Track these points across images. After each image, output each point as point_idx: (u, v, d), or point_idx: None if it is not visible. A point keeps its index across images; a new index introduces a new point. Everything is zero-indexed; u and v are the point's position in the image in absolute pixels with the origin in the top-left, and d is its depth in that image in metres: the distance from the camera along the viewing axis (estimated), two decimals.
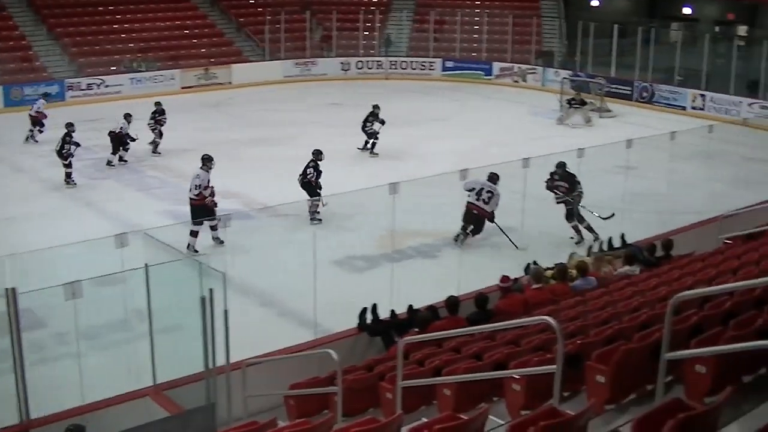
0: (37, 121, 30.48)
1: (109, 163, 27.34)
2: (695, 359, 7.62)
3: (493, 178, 20.05)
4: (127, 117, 27.80)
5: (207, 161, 20.39)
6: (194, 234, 19.18)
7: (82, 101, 37.52)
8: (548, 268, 14.46)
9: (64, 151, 25.00)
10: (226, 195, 23.51)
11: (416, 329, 12.10)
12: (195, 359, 11.34)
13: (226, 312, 11.04)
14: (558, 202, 20.14)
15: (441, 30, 46.62)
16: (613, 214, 19.67)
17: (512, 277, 14.11)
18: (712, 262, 13.38)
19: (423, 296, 13.77)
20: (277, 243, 19.35)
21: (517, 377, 8.80)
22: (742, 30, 45.66)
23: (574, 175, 20.27)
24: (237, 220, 18.66)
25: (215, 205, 19.82)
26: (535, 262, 15.39)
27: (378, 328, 13.42)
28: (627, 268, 14.68)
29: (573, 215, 19.86)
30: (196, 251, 18.78)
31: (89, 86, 38.50)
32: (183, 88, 40.52)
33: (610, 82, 39.44)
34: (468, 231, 19.89)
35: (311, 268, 14.24)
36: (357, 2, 47.54)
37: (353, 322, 13.65)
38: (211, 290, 10.91)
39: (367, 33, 46.46)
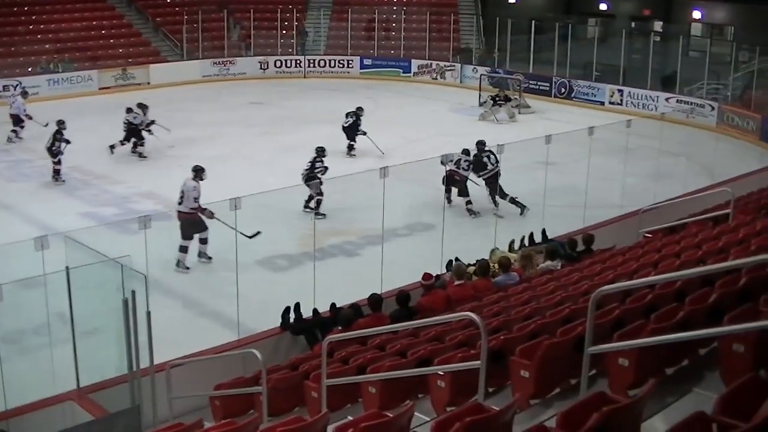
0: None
1: (112, 147, 27.97)
2: (618, 353, 7.68)
3: (467, 152, 22.40)
4: (142, 107, 28.33)
5: (200, 172, 19.59)
6: (184, 250, 18.56)
7: None
8: (470, 264, 14.50)
9: (54, 148, 24.94)
10: (147, 196, 23.40)
11: (340, 327, 12.08)
12: (119, 362, 11.24)
13: (148, 313, 10.95)
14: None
15: (358, 28, 46.57)
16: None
17: (434, 273, 14.15)
18: (632, 256, 13.51)
19: (346, 294, 13.76)
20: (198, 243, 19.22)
21: (442, 374, 8.80)
22: (657, 26, 46.32)
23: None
24: (157, 221, 18.45)
25: (212, 216, 18.41)
26: (457, 258, 15.45)
27: (301, 327, 13.41)
28: (548, 263, 14.76)
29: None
30: (188, 268, 18.46)
31: (5, 88, 37.83)
32: (101, 89, 40.05)
33: (529, 79, 39.76)
34: (449, 197, 22.07)
35: (233, 268, 14.15)
36: (274, 1, 47.27)
37: (276, 322, 13.62)
38: (133, 292, 10.81)
39: (285, 32, 46.28)
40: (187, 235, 18.63)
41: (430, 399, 9.13)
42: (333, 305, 13.50)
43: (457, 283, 13.50)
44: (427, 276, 13.79)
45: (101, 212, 22.31)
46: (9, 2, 42.17)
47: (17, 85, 36.14)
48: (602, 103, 38.03)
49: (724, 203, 16.47)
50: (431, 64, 44.48)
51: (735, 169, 23.54)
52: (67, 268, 11.21)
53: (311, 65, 45.32)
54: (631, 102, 37.26)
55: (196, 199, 18.87)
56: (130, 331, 11.01)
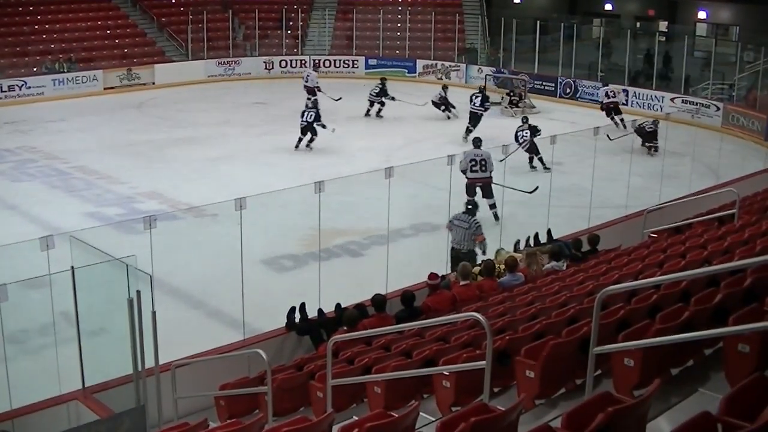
0: None
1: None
2: (623, 353, 7.68)
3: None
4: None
5: None
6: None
7: (4, 103, 36.92)
8: (476, 265, 14.50)
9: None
10: (150, 196, 23.40)
11: (345, 327, 12.09)
12: (124, 362, 11.23)
13: (153, 313, 10.95)
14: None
15: (364, 28, 46.55)
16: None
17: (439, 274, 14.14)
18: (637, 256, 13.52)
19: (351, 295, 13.77)
20: (204, 243, 19.24)
21: (447, 374, 8.81)
22: (662, 26, 46.26)
23: None
24: (163, 221, 18.48)
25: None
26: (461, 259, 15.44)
27: (306, 327, 13.40)
28: (553, 263, 14.76)
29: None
30: None
31: (10, 88, 37.90)
32: (106, 88, 40.05)
33: (534, 79, 39.74)
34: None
35: (238, 268, 14.15)
36: (279, 1, 47.27)
37: (282, 322, 13.61)
38: (138, 292, 10.81)
39: (290, 32, 46.28)
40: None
41: (435, 399, 9.13)
42: (338, 305, 13.50)
43: (462, 283, 13.49)
44: (432, 276, 13.77)
45: (105, 212, 22.33)
46: (14, 2, 42.20)
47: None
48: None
49: (729, 203, 16.44)
50: (436, 64, 44.45)
51: (740, 170, 23.52)
52: (72, 267, 11.22)
53: (317, 65, 45.27)
54: (636, 102, 37.21)
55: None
56: (135, 331, 11.01)
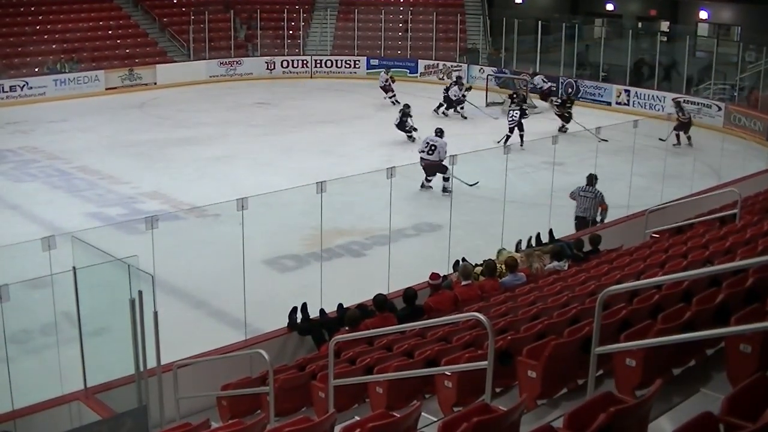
0: None
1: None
2: (625, 353, 7.69)
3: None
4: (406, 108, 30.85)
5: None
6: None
7: (5, 103, 36.95)
8: (477, 265, 14.50)
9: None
10: (152, 196, 23.42)
11: (347, 327, 12.09)
12: (125, 362, 11.24)
13: (155, 313, 10.96)
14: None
15: (365, 28, 46.54)
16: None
17: (441, 274, 14.14)
18: (639, 256, 13.51)
19: (353, 295, 13.76)
20: (206, 243, 19.25)
21: (449, 374, 8.81)
22: (664, 26, 46.24)
23: None
24: (165, 221, 18.48)
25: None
26: (464, 259, 15.44)
27: (308, 327, 13.39)
28: (555, 263, 14.76)
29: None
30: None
31: (12, 88, 37.93)
32: (108, 89, 40.07)
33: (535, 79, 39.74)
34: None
35: (240, 268, 14.15)
36: (280, 1, 47.27)
37: (283, 322, 13.61)
38: (140, 292, 10.82)
39: (292, 32, 46.29)
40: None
41: (437, 399, 9.14)
42: (340, 305, 13.50)
43: (464, 283, 13.49)
44: (434, 276, 13.79)
45: (107, 212, 22.35)
46: (16, 3, 42.22)
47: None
48: (609, 104, 37.99)
49: (731, 203, 16.44)
50: (438, 64, 44.44)
51: (742, 170, 23.51)
52: (74, 268, 11.22)
53: (318, 65, 45.29)
54: (638, 102, 37.21)
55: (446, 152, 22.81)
56: (137, 331, 11.01)
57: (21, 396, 11.28)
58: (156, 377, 11.45)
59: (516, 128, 29.11)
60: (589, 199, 19.17)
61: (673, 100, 32.52)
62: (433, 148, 23.57)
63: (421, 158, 23.65)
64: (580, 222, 19.25)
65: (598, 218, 19.30)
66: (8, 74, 38.77)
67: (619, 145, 24.67)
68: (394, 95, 36.75)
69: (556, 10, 50.02)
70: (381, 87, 37.41)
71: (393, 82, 37.77)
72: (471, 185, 22.61)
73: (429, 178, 23.85)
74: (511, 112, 30.12)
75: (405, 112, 30.33)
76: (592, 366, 7.55)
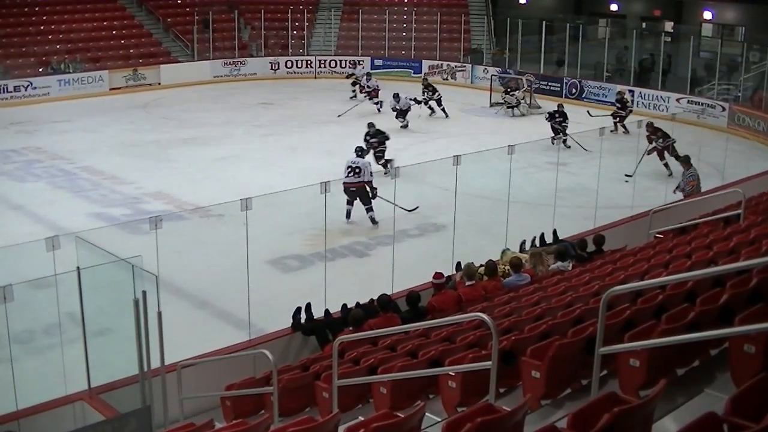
0: None
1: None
2: (629, 353, 7.68)
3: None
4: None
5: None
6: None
7: (10, 103, 37.02)
8: (481, 265, 14.49)
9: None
10: (156, 196, 23.43)
11: (351, 328, 12.09)
12: (129, 362, 11.22)
13: (159, 314, 10.95)
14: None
15: (369, 29, 46.55)
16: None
17: (445, 274, 14.15)
18: (643, 257, 13.49)
19: (357, 295, 13.75)
20: (210, 244, 19.25)
21: (453, 374, 8.81)
22: (668, 26, 46.24)
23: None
24: (168, 221, 18.48)
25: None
26: (459, 265, 15.42)
27: (312, 328, 13.40)
28: (559, 263, 14.75)
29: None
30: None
31: (16, 88, 37.98)
32: (112, 89, 40.13)
33: (540, 79, 39.73)
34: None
35: (244, 268, 14.15)
36: (285, 2, 47.31)
37: (287, 322, 13.61)
38: (144, 292, 10.80)
39: (296, 32, 46.33)
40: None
41: (441, 399, 9.14)
42: (344, 306, 13.50)
43: (468, 283, 13.50)
44: (438, 275, 13.80)
45: (111, 212, 22.37)
46: (20, 2, 42.30)
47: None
48: (613, 104, 37.93)
49: (735, 204, 16.41)
50: (442, 64, 44.44)
51: (746, 170, 23.48)
52: (78, 268, 11.23)
53: (322, 66, 45.34)
54: (642, 103, 37.19)
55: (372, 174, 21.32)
56: (141, 332, 11.00)
57: (25, 396, 11.30)
58: (160, 377, 11.44)
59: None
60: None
61: (618, 93, 33.38)
62: (357, 170, 21.20)
63: (345, 183, 21.05)
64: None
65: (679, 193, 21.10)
66: (12, 74, 38.84)
67: (623, 146, 24.67)
68: (380, 102, 35.92)
69: (560, 11, 50.02)
70: (366, 92, 36.54)
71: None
72: (410, 211, 21.33)
73: (362, 201, 21.32)
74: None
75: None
76: (596, 366, 7.55)
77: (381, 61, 45.07)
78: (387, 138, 25.81)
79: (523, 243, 17.32)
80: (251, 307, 14.03)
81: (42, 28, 42.16)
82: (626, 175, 23.49)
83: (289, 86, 41.74)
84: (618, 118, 31.70)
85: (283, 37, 46.11)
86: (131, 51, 42.96)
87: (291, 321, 13.57)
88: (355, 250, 19.68)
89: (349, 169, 21.28)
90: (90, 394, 11.72)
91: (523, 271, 14.21)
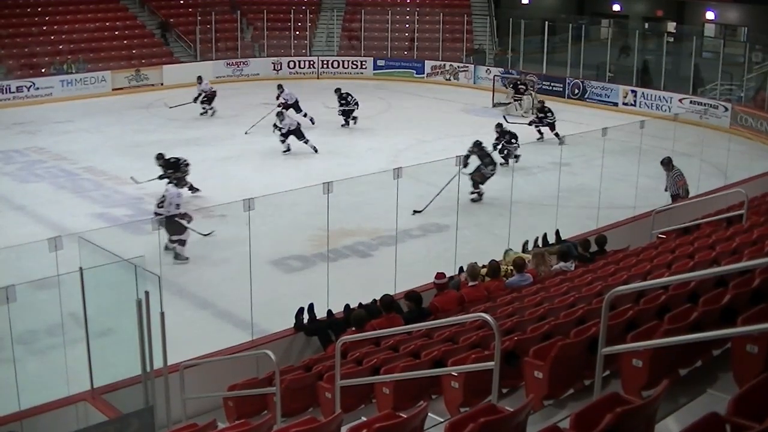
0: None
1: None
2: (631, 353, 7.68)
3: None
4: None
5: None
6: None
7: (12, 104, 37.07)
8: (483, 266, 14.49)
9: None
10: (158, 197, 23.42)
11: (353, 328, 12.09)
12: (132, 362, 11.24)
13: (162, 314, 10.96)
14: None
15: (372, 29, 46.55)
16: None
17: (448, 274, 14.15)
18: (646, 257, 13.50)
19: (359, 295, 13.75)
20: (212, 244, 19.26)
21: (456, 374, 8.81)
22: (671, 26, 46.23)
23: None
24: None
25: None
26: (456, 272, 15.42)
27: (315, 328, 13.40)
28: (562, 264, 14.75)
29: None
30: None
31: (19, 89, 38.01)
32: (114, 89, 40.15)
33: (542, 80, 39.73)
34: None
35: (246, 268, 14.16)
36: (287, 2, 47.37)
37: (290, 323, 13.61)
38: (146, 293, 10.82)
39: (298, 33, 46.34)
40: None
41: (443, 400, 9.14)
42: (347, 306, 13.50)
43: (471, 284, 13.51)
44: (439, 276, 13.81)
45: (114, 213, 22.39)
46: (22, 3, 42.32)
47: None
48: (615, 104, 37.95)
49: (737, 204, 16.40)
50: (444, 65, 44.43)
51: (748, 170, 23.46)
52: (80, 268, 11.24)
53: (324, 66, 45.35)
54: (645, 103, 37.18)
55: (178, 206, 19.20)
56: (143, 332, 11.02)
57: (27, 396, 11.32)
58: (162, 378, 11.46)
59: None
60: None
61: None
62: (162, 199, 19.69)
63: (155, 214, 19.44)
64: (674, 199, 20.75)
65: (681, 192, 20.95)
66: (15, 75, 38.87)
67: (625, 146, 24.64)
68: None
69: (563, 11, 50.03)
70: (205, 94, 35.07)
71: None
72: (205, 235, 19.96)
73: (172, 238, 19.10)
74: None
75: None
76: (599, 366, 7.55)
77: (384, 61, 45.06)
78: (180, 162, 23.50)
79: (526, 243, 17.33)
80: (254, 308, 14.04)
81: (45, 28, 42.19)
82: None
83: (292, 87, 41.61)
84: (540, 125, 30.58)
85: (286, 38, 46.06)
86: (133, 51, 42.98)
87: (293, 321, 13.57)
88: (358, 250, 19.68)
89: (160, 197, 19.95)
90: (93, 394, 11.73)
91: (526, 271, 14.22)
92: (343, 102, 33.04)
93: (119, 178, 25.74)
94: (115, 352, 12.18)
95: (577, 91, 39.24)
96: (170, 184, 20.07)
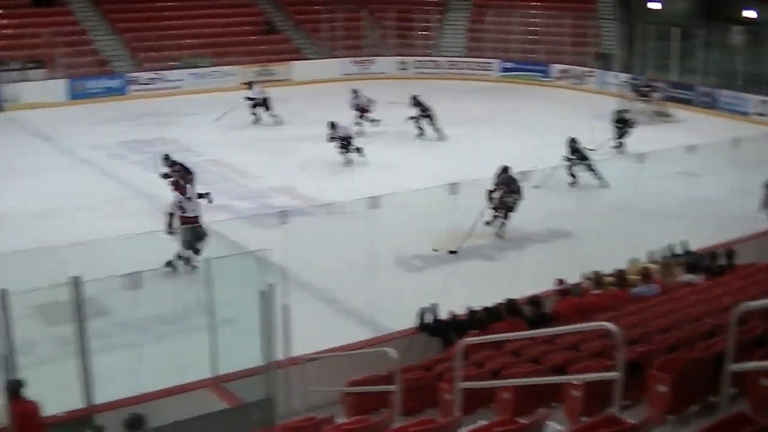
0: None
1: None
2: (760, 372, 7.53)
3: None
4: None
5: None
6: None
7: (143, 95, 37.94)
8: (608, 275, 14.34)
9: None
10: (282, 191, 23.69)
11: (476, 330, 12.09)
12: (254, 353, 11.41)
13: (285, 307, 11.09)
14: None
15: (498, 30, 46.34)
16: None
17: (572, 281, 14.05)
18: None
19: (482, 297, 13.71)
20: (336, 240, 19.35)
21: (577, 383, 8.75)
22: None
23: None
24: (296, 216, 18.73)
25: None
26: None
27: (437, 328, 13.40)
28: (689, 275, 14.52)
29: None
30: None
31: (150, 81, 38.86)
32: (242, 84, 40.71)
33: (671, 87, 39.07)
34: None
35: (369, 265, 14.25)
36: (414, 1, 47.45)
37: (411, 321, 13.63)
38: (271, 285, 10.96)
39: (425, 32, 46.41)
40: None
41: (563, 408, 9.08)
42: (469, 308, 13.48)
43: (594, 291, 13.40)
44: (562, 282, 13.72)
45: (237, 205, 22.70)
46: None
47: None
48: (746, 114, 37.12)
49: None
50: (571, 69, 44.04)
51: None
52: (207, 258, 11.44)
53: (450, 66, 45.31)
54: None
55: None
56: (267, 324, 11.17)
57: (151, 380, 11.56)
58: (283, 370, 11.60)
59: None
60: None
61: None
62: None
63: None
64: None
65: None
66: (146, 67, 39.70)
67: (757, 157, 24.18)
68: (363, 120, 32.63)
69: (693, 17, 49.13)
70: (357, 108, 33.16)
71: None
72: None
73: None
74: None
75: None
76: (725, 384, 7.42)
77: (510, 63, 44.84)
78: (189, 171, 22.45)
79: (653, 253, 17.10)
80: (376, 305, 14.12)
81: (176, 22, 43.04)
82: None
83: (417, 86, 41.71)
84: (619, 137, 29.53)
85: (412, 37, 46.16)
86: (262, 47, 43.51)
87: (416, 320, 13.59)
88: (482, 253, 19.55)
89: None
90: (214, 382, 11.93)
91: (653, 281, 14.04)
92: (421, 109, 31.72)
93: (244, 171, 26.09)
94: (238, 341, 12.35)
95: (707, 99, 38.52)
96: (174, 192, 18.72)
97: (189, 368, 12.37)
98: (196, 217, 17.94)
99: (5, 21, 40.86)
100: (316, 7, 46.09)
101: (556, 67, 44.24)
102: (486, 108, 34.96)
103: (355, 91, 33.07)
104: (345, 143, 27.03)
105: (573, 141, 24.75)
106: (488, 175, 20.72)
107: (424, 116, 31.20)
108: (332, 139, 27.03)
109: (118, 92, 38.55)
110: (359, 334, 14.04)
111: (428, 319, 13.57)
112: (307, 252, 18.22)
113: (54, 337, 13.94)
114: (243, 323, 12.19)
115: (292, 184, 24.67)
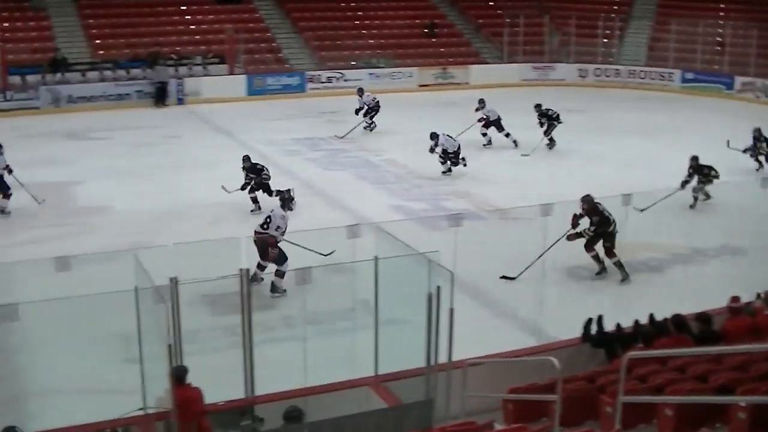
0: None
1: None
2: None
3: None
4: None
5: (288, 201, 18.03)
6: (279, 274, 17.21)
7: (321, 93, 38.70)
8: None
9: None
10: (457, 194, 23.80)
11: (641, 345, 11.95)
12: (416, 354, 11.48)
13: (451, 310, 11.14)
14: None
15: (681, 40, 45.47)
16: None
17: (744, 299, 13.73)
18: None
19: (648, 311, 13.52)
20: (506, 246, 19.30)
21: (743, 405, 8.58)
22: None
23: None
24: (468, 220, 18.75)
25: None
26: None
27: (602, 340, 13.27)
28: None
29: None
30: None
31: (329, 79, 39.59)
32: (420, 86, 41.05)
33: None
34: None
35: (537, 274, 14.20)
36: (597, 9, 46.97)
37: (576, 332, 13.53)
38: (438, 287, 11.02)
39: (606, 40, 45.93)
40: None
41: (727, 430, 8.91)
42: (636, 321, 13.31)
43: None
44: (735, 299, 13.41)
45: (411, 206, 22.88)
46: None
47: None
48: None
49: None
50: (755, 81, 42.90)
51: None
52: (376, 257, 11.56)
53: (631, 75, 44.70)
54: None
55: (278, 228, 17.36)
56: (431, 326, 11.23)
57: (314, 375, 11.75)
58: (445, 373, 11.65)
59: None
60: None
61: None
62: (268, 220, 17.48)
63: (255, 233, 17.56)
64: None
65: None
66: (326, 66, 40.40)
67: None
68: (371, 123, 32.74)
69: None
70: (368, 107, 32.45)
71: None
72: (326, 255, 17.25)
73: (262, 263, 17.33)
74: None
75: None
76: None
77: (692, 74, 43.96)
78: (263, 170, 22.49)
79: None
80: (541, 313, 14.06)
81: (356, 23, 43.74)
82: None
83: (596, 94, 41.36)
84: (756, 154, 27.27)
85: (593, 44, 45.73)
86: (441, 50, 43.77)
87: (581, 331, 13.49)
88: (651, 266, 19.25)
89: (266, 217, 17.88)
90: (376, 380, 12.06)
91: None
92: (547, 118, 30.42)
93: (419, 173, 26.24)
94: (401, 342, 12.43)
95: None
96: (277, 206, 17.85)
97: (350, 366, 12.53)
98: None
99: (189, 17, 42.11)
100: (498, 12, 46.12)
101: (739, 80, 43.14)
102: (666, 119, 34.32)
103: (360, 90, 32.90)
104: (449, 156, 26.32)
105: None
106: (660, 186, 20.42)
107: (551, 123, 30.19)
108: (433, 150, 26.28)
109: (298, 90, 39.36)
110: (522, 341, 14.02)
111: (593, 330, 13.46)
112: (476, 256, 18.26)
113: (221, 326, 14.36)
114: (407, 324, 12.26)
115: (467, 187, 24.75)
